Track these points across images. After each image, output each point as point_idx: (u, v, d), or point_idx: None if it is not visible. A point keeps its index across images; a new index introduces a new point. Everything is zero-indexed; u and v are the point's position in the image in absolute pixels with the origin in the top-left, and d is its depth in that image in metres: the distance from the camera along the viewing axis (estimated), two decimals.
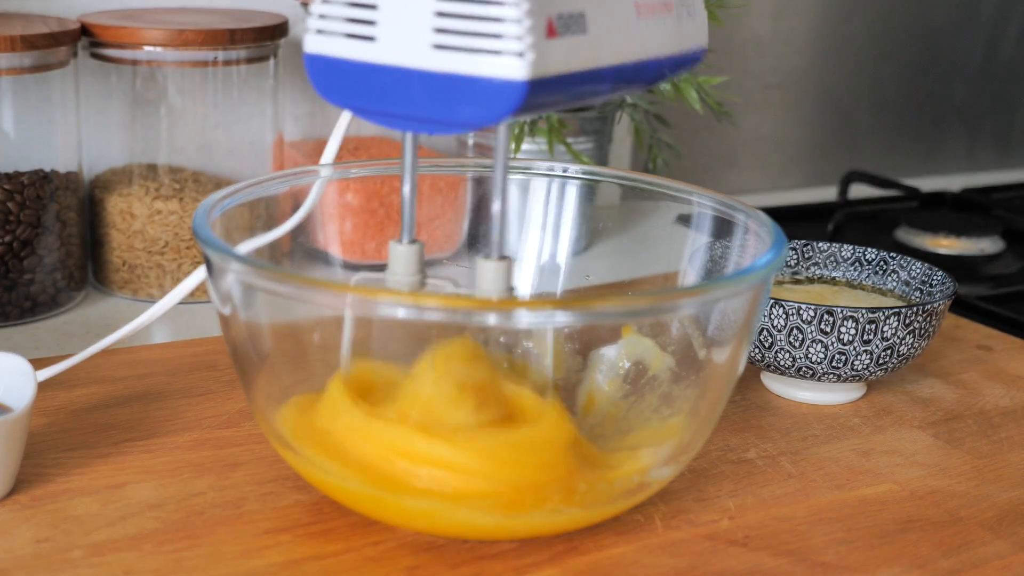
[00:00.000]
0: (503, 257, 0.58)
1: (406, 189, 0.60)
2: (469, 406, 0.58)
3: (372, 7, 0.53)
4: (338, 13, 0.54)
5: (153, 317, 0.71)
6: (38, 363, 0.75)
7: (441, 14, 0.51)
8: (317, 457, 0.59)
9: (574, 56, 0.53)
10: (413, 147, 0.59)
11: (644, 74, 0.59)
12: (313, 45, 0.54)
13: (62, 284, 0.89)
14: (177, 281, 0.92)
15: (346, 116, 0.73)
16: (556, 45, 0.52)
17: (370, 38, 0.53)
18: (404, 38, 0.52)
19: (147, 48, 0.89)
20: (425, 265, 0.61)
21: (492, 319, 0.57)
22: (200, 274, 0.68)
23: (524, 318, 0.57)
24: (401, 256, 0.61)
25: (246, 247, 0.68)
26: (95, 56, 0.92)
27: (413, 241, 0.61)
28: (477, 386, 0.60)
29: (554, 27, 0.52)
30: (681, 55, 0.62)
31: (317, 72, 0.55)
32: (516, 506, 0.57)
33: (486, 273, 0.58)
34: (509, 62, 0.50)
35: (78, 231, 0.91)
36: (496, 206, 0.57)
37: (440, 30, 0.51)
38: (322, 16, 0.54)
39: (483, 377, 0.60)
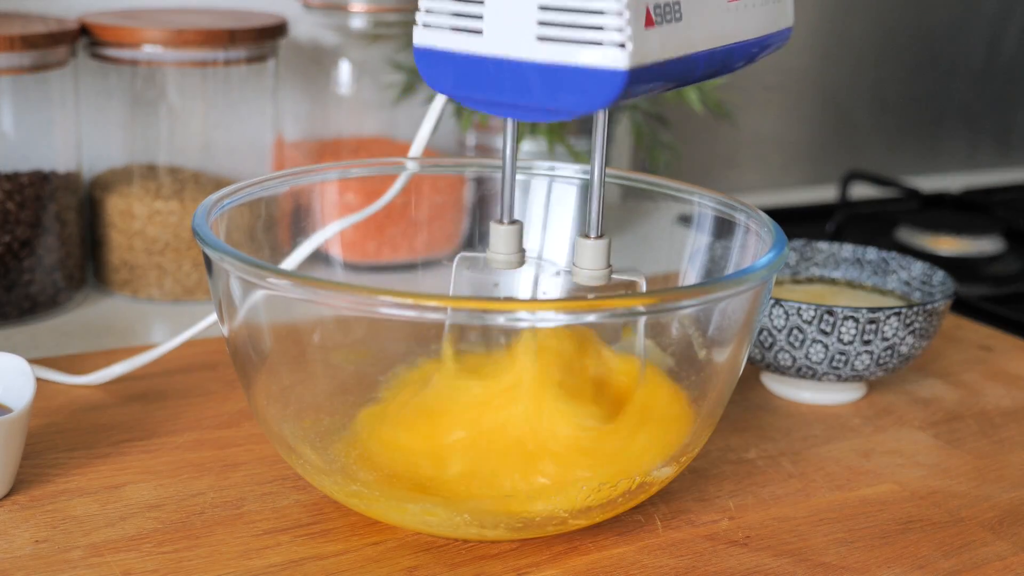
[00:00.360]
0: (601, 235, 0.62)
1: (507, 172, 0.64)
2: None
3: (479, 2, 0.55)
4: (445, 8, 0.56)
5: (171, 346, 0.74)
6: (39, 364, 0.75)
7: (545, 7, 0.54)
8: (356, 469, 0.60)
9: (670, 43, 0.56)
10: (514, 134, 0.63)
11: (734, 57, 0.62)
12: (421, 38, 0.57)
13: (62, 284, 0.89)
14: (177, 281, 0.92)
15: (438, 104, 0.75)
16: (654, 34, 0.54)
17: (477, 31, 0.55)
18: (509, 31, 0.55)
19: (147, 48, 0.89)
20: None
21: (493, 319, 0.57)
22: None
23: (525, 318, 0.57)
24: (502, 236, 0.65)
25: (293, 260, 0.72)
26: (95, 56, 0.92)
27: (513, 222, 0.65)
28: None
29: (652, 17, 0.54)
30: (768, 36, 0.65)
31: (425, 64, 0.57)
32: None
33: (584, 251, 0.63)
34: (611, 52, 0.53)
35: (78, 231, 0.91)
36: (592, 187, 0.62)
37: (544, 23, 0.54)
38: (428, 11, 0.56)
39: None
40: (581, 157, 1.04)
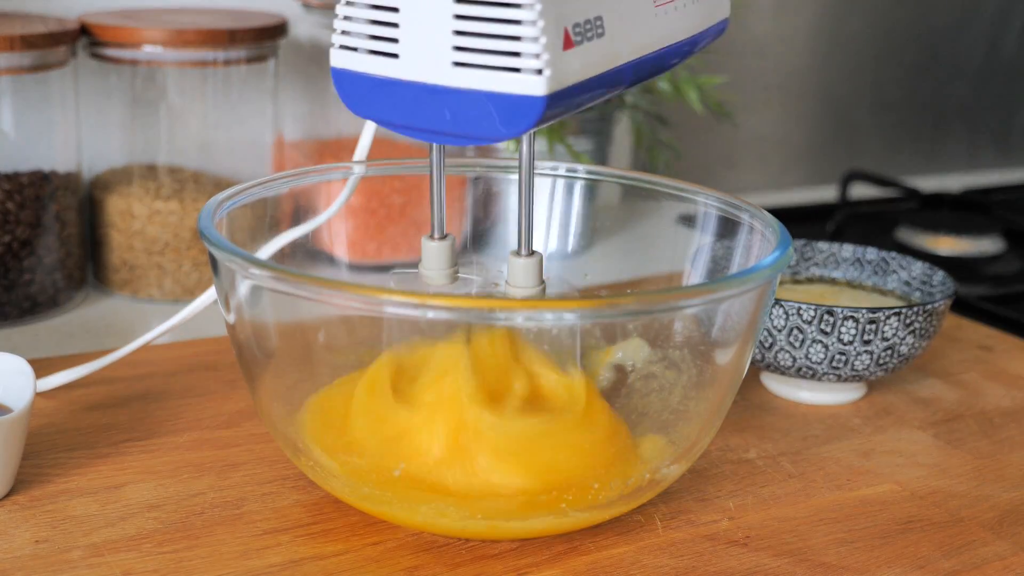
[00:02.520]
0: (532, 253, 0.61)
1: (435, 193, 0.63)
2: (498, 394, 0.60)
3: (393, 25, 0.54)
4: (360, 30, 0.55)
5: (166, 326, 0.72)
6: (38, 363, 0.75)
7: (460, 32, 0.52)
8: (324, 458, 0.60)
9: (592, 61, 0.54)
10: (440, 156, 0.62)
11: (666, 59, 0.61)
12: (338, 60, 0.56)
13: (62, 284, 0.89)
14: (177, 281, 0.92)
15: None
16: (574, 55, 0.53)
17: (393, 55, 0.54)
18: (425, 55, 0.53)
19: (147, 48, 0.89)
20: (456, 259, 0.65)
21: (493, 319, 0.57)
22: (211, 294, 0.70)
23: (525, 318, 0.57)
24: (434, 251, 0.64)
25: (266, 249, 0.70)
26: (95, 56, 0.92)
27: (444, 237, 0.64)
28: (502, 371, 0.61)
29: (571, 38, 0.53)
30: (701, 33, 0.63)
31: (343, 86, 0.56)
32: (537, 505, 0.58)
33: (516, 269, 0.61)
34: (528, 79, 0.52)
35: (78, 231, 0.91)
36: (521, 205, 0.60)
37: (459, 48, 0.53)
38: (344, 32, 0.56)
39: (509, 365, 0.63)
40: (581, 157, 1.04)
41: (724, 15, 0.66)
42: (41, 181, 0.87)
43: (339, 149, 1.04)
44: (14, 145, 0.87)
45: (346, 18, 0.55)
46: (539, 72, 0.51)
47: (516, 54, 0.52)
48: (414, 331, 0.65)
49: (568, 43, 0.52)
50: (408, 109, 0.55)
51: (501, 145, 1.04)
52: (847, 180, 1.29)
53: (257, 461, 0.67)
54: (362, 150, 0.74)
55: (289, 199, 0.71)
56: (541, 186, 0.77)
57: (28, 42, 0.82)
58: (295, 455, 0.61)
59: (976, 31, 1.52)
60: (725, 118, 1.18)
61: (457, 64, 0.53)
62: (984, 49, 1.53)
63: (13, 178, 0.85)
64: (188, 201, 0.91)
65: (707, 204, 0.71)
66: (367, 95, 0.55)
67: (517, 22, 0.51)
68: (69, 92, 0.89)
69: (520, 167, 0.59)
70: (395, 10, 0.54)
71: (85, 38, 0.90)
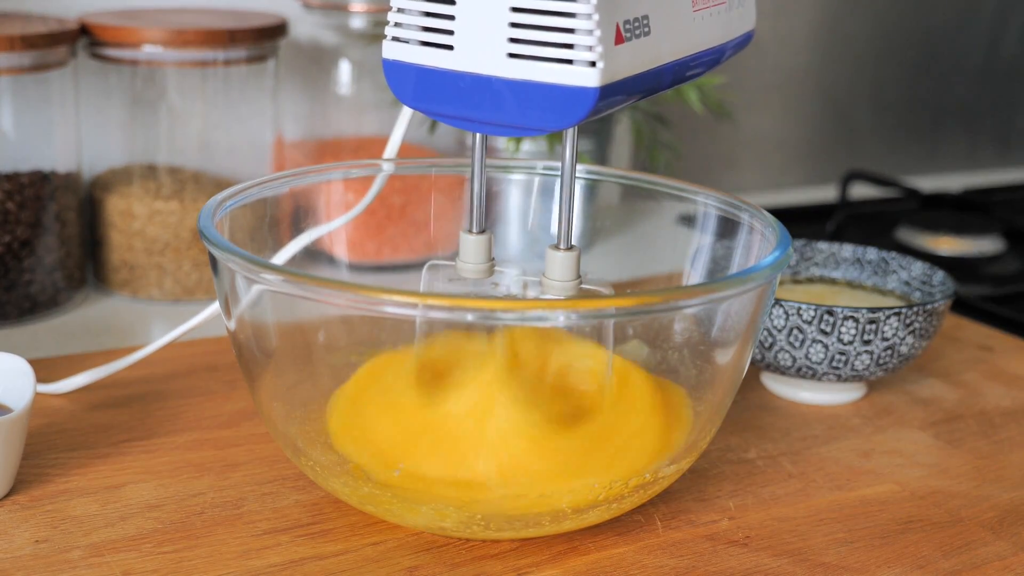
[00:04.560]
0: (571, 247, 0.62)
1: (476, 186, 0.64)
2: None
3: (449, 17, 0.55)
4: (414, 22, 0.56)
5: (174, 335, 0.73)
6: (39, 364, 0.75)
7: (516, 24, 0.53)
8: (325, 457, 0.60)
9: (640, 57, 0.56)
10: (482, 149, 0.63)
11: (700, 64, 0.62)
12: (390, 51, 0.56)
13: (62, 284, 0.89)
14: (177, 281, 0.92)
15: (407, 113, 0.75)
16: (624, 50, 0.54)
17: (447, 47, 0.55)
18: (480, 47, 0.54)
19: (147, 48, 0.89)
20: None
21: (493, 319, 0.57)
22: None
23: (533, 317, 0.57)
24: (471, 245, 0.65)
25: (285, 253, 0.71)
26: (95, 56, 0.92)
27: (482, 231, 0.65)
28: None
29: (622, 33, 0.54)
30: (733, 41, 0.65)
31: (394, 77, 0.57)
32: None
33: (554, 262, 0.62)
34: (582, 71, 0.53)
35: (78, 231, 0.91)
36: (562, 199, 0.61)
37: (515, 40, 0.54)
38: (397, 24, 0.56)
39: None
40: (582, 157, 1.04)
41: (750, 27, 0.68)
42: (41, 181, 0.87)
43: (339, 149, 1.04)
44: (14, 145, 0.87)
45: (400, 10, 0.56)
46: (592, 64, 0.52)
47: (570, 46, 0.53)
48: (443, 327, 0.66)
49: (619, 38, 0.54)
50: (460, 100, 0.55)
51: (500, 144, 1.04)
52: (847, 180, 1.29)
53: (257, 461, 0.67)
54: (393, 147, 0.75)
55: (289, 199, 0.71)
56: (541, 186, 0.77)
57: (28, 42, 0.82)
58: (295, 455, 0.61)
59: (976, 31, 1.52)
60: (725, 118, 1.18)
61: (512, 56, 0.54)
62: (984, 49, 1.53)
63: (13, 178, 0.85)
64: (188, 201, 0.91)
65: (707, 204, 0.71)
66: (419, 86, 0.56)
67: (572, 15, 0.52)
68: (69, 92, 0.89)
69: (563, 162, 0.60)
70: (452, 2, 0.55)
71: (85, 38, 0.90)
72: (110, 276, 0.93)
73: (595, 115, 0.54)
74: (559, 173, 0.76)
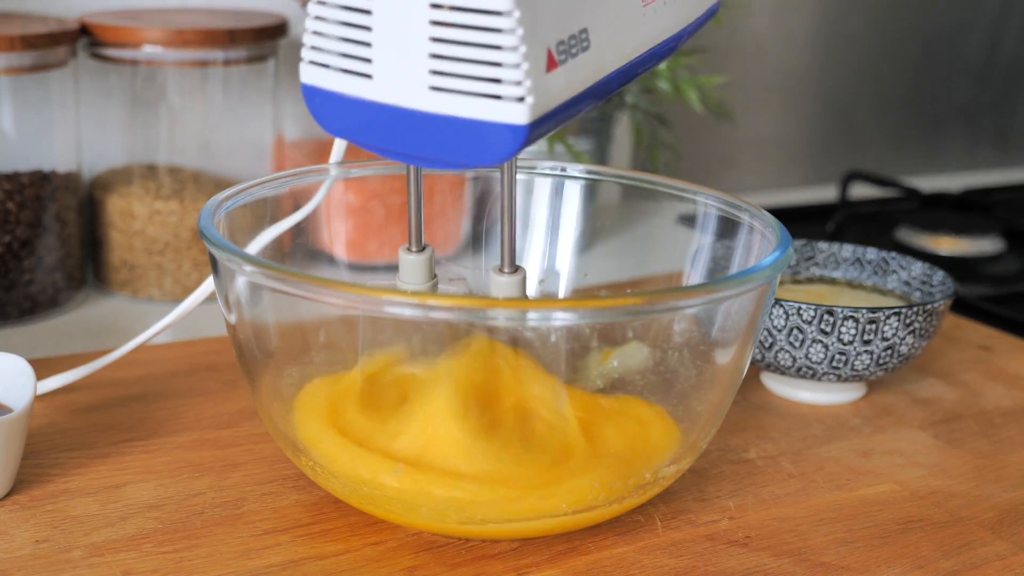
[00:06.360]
0: (516, 269, 0.59)
1: (412, 205, 0.61)
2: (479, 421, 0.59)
3: (366, 44, 0.51)
4: (332, 47, 0.52)
5: (168, 322, 0.72)
6: (38, 363, 0.75)
7: (436, 56, 0.50)
8: (323, 459, 0.59)
9: (578, 77, 0.52)
10: (417, 176, 0.61)
11: (655, 58, 0.58)
12: (308, 76, 0.53)
13: (62, 284, 0.89)
14: (177, 281, 0.92)
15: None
16: (558, 75, 0.50)
17: (366, 75, 0.51)
18: (400, 77, 0.50)
19: (147, 48, 0.89)
20: (434, 270, 0.63)
21: (494, 318, 0.57)
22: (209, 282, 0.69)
23: (525, 317, 0.57)
24: (410, 264, 0.63)
25: (253, 246, 0.68)
26: (95, 56, 0.92)
27: (422, 249, 0.62)
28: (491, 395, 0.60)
29: (554, 58, 0.50)
30: (694, 23, 0.61)
31: (314, 103, 0.53)
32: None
33: (500, 288, 0.59)
34: (509, 107, 0.49)
35: (78, 231, 0.91)
36: (504, 224, 0.58)
37: (436, 72, 0.50)
38: (315, 48, 0.52)
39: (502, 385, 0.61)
40: (581, 157, 1.04)
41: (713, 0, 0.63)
42: (41, 181, 0.87)
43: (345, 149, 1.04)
44: (14, 145, 0.87)
45: (316, 33, 0.52)
46: (521, 100, 0.48)
47: (496, 80, 0.49)
48: (417, 334, 0.65)
49: (552, 63, 0.49)
50: (382, 131, 0.52)
51: None
52: (847, 180, 1.29)
53: (257, 461, 0.67)
54: (337, 153, 0.72)
55: (289, 199, 0.71)
56: (541, 186, 0.77)
57: (28, 42, 0.82)
58: (295, 455, 0.61)
59: (976, 31, 1.52)
60: (725, 118, 1.18)
61: (434, 88, 0.50)
62: (984, 49, 1.53)
63: (13, 178, 0.85)
64: (188, 201, 0.91)
65: (707, 204, 0.71)
66: (339, 114, 0.52)
67: (496, 47, 0.48)
68: (69, 92, 0.89)
69: (502, 191, 0.57)
70: (367, 28, 0.51)
71: (85, 38, 0.90)
72: (110, 276, 0.93)
73: (527, 146, 0.50)
74: (560, 173, 0.76)
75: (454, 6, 0.49)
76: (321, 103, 0.53)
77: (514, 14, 0.48)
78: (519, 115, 0.49)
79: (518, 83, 0.48)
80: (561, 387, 0.62)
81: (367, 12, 0.51)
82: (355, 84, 0.52)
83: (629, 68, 0.55)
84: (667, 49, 0.59)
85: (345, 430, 0.60)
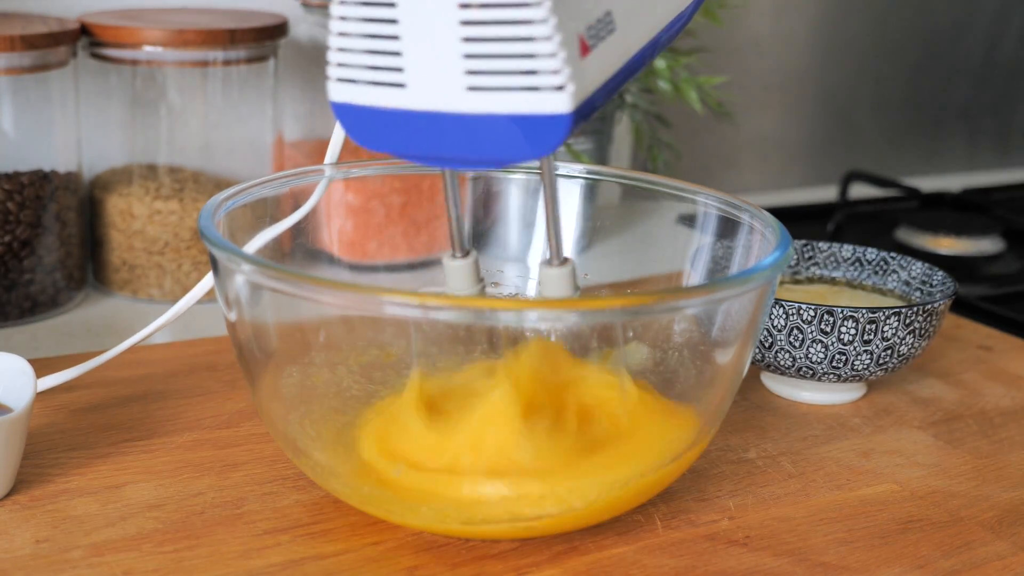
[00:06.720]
0: (565, 261, 0.59)
1: (453, 213, 0.61)
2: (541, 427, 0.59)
3: (396, 53, 0.50)
4: (360, 61, 0.51)
5: (166, 321, 0.72)
6: (39, 363, 0.75)
7: (470, 55, 0.49)
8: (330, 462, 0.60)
9: (609, 60, 0.52)
10: (454, 181, 0.60)
11: (670, 33, 0.58)
12: (338, 94, 0.52)
13: (62, 284, 0.89)
14: (177, 281, 0.92)
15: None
16: (591, 60, 0.50)
17: (399, 84, 0.51)
18: (435, 82, 0.50)
19: (147, 48, 0.89)
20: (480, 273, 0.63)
21: (494, 319, 0.57)
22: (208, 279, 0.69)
23: (530, 317, 0.57)
24: (457, 270, 0.62)
25: (251, 246, 0.68)
26: (95, 56, 0.92)
27: (466, 255, 0.62)
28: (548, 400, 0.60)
29: (586, 43, 0.50)
30: (692, 4, 0.61)
31: (347, 120, 0.52)
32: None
33: (549, 280, 0.59)
34: (550, 97, 0.49)
35: (78, 231, 0.91)
36: (548, 217, 0.57)
37: (472, 71, 0.49)
38: (341, 64, 0.51)
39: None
40: (581, 157, 1.04)
41: None
42: (41, 181, 0.87)
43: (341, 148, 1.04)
44: (14, 145, 0.87)
45: (341, 49, 0.51)
46: (561, 88, 0.48)
47: (534, 72, 0.48)
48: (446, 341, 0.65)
49: (584, 49, 0.49)
50: (423, 138, 0.51)
51: None
52: (847, 180, 1.29)
53: (257, 461, 0.67)
54: (332, 153, 0.72)
55: (289, 199, 0.71)
56: (542, 186, 0.77)
57: (28, 42, 0.82)
58: (295, 455, 0.61)
59: (976, 31, 1.52)
60: (725, 118, 1.18)
61: (472, 88, 0.49)
62: (984, 49, 1.53)
63: (13, 178, 0.85)
64: (188, 201, 0.91)
65: (707, 204, 0.71)
66: (375, 128, 0.52)
67: (531, 39, 0.48)
68: (69, 92, 0.89)
69: (544, 184, 0.57)
70: (396, 38, 0.50)
71: (85, 38, 0.90)
72: (110, 276, 0.93)
73: (572, 133, 0.50)
74: (560, 173, 0.76)
75: (484, 3, 0.48)
76: (355, 119, 0.52)
77: (545, 3, 0.48)
78: (562, 104, 0.49)
79: (556, 72, 0.48)
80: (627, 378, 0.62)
81: (394, 21, 0.50)
82: (388, 95, 0.51)
83: (649, 47, 0.56)
84: (679, 27, 0.59)
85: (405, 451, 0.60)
